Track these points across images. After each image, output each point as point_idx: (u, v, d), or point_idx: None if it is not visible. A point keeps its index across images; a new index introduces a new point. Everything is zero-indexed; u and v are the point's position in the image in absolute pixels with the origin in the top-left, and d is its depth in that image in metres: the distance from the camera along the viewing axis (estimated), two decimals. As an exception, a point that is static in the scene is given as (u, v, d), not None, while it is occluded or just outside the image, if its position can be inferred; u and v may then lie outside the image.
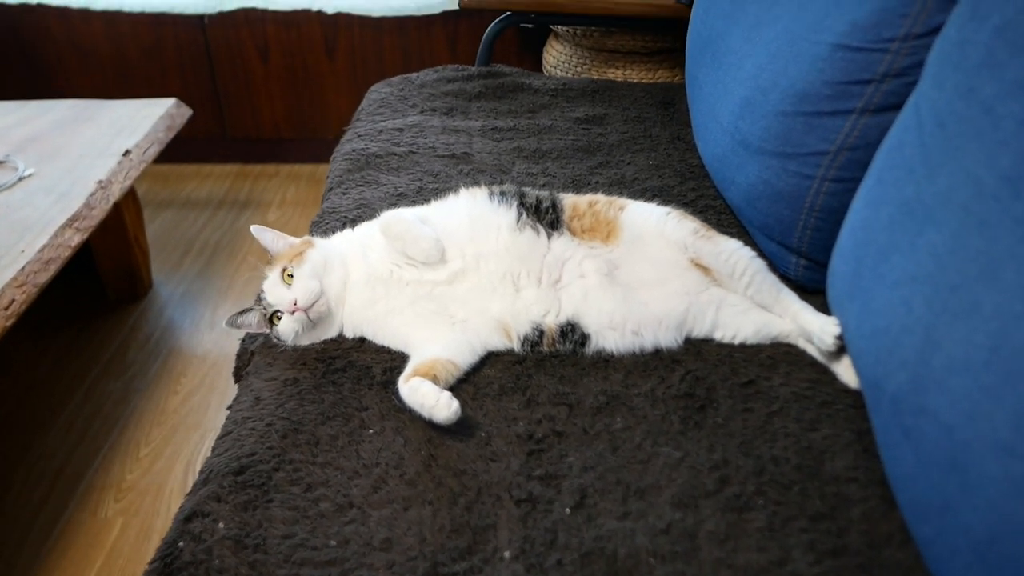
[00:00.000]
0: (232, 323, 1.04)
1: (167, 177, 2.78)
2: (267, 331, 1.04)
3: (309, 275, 1.00)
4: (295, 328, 0.99)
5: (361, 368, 0.98)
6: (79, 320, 2.06)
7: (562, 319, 1.01)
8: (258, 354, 1.06)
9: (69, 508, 1.52)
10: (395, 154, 1.52)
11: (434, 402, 0.85)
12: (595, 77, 2.18)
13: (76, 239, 1.54)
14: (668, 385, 0.95)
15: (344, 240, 1.11)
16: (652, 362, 0.99)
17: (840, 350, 0.96)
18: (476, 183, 1.41)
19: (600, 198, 1.13)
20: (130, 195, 2.04)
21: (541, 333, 1.01)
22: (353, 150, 1.56)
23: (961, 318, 0.68)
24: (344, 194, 1.40)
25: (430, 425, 0.87)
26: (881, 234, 0.84)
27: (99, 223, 1.63)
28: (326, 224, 1.31)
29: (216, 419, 1.73)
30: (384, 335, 1.03)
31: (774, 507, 0.78)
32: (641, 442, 0.87)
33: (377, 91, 1.88)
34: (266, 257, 1.09)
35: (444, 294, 1.01)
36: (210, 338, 2.01)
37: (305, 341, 1.03)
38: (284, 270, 1.01)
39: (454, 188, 1.35)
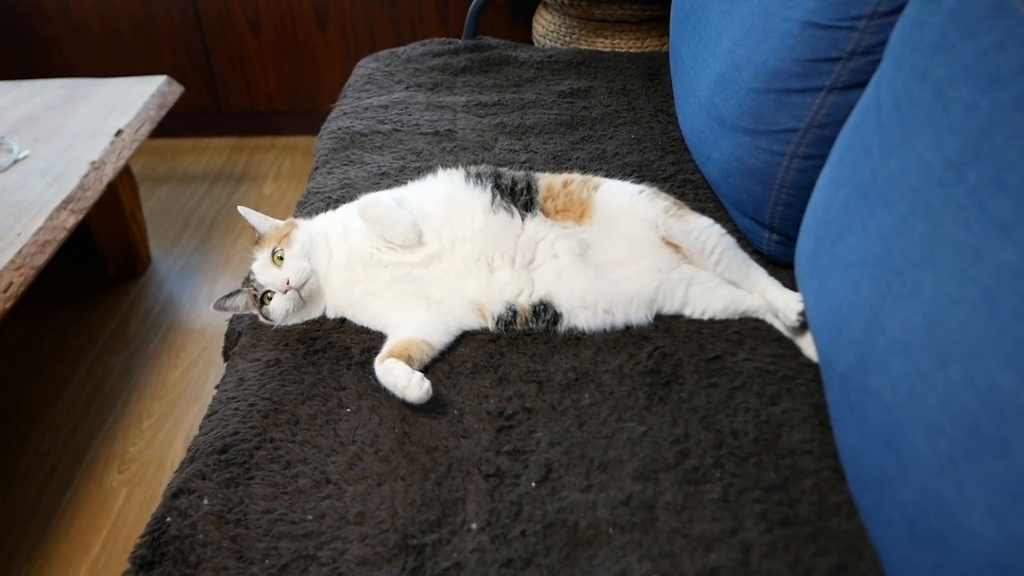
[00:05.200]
0: (219, 306, 1.08)
1: (163, 152, 2.80)
2: (255, 312, 1.08)
3: (299, 255, 1.04)
4: (286, 307, 1.02)
5: (340, 349, 1.02)
6: (80, 297, 2.09)
7: (535, 299, 1.04)
8: (245, 334, 1.10)
9: (76, 479, 1.58)
10: (379, 132, 1.53)
11: (406, 383, 0.89)
12: (584, 47, 2.17)
13: (71, 221, 1.57)
14: (636, 362, 0.99)
15: (327, 222, 1.14)
16: (622, 339, 1.03)
17: (804, 325, 0.99)
18: (458, 161, 1.44)
19: (575, 177, 1.15)
20: (125, 173, 2.06)
21: (515, 313, 1.04)
22: (339, 128, 1.58)
23: (903, 300, 0.71)
24: (329, 174, 1.42)
25: (404, 404, 0.91)
26: (838, 214, 0.87)
27: (94, 204, 1.66)
28: (311, 205, 1.34)
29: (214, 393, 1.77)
30: (364, 316, 1.06)
31: (730, 479, 0.82)
32: (607, 418, 0.91)
33: (364, 66, 1.88)
34: (254, 235, 1.12)
35: (421, 276, 1.05)
36: (208, 313, 2.05)
37: (293, 320, 1.06)
38: (274, 252, 1.05)
39: (436, 167, 1.38)
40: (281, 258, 1.05)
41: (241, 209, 1.13)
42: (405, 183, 1.22)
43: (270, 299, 1.04)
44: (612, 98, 1.69)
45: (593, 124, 1.58)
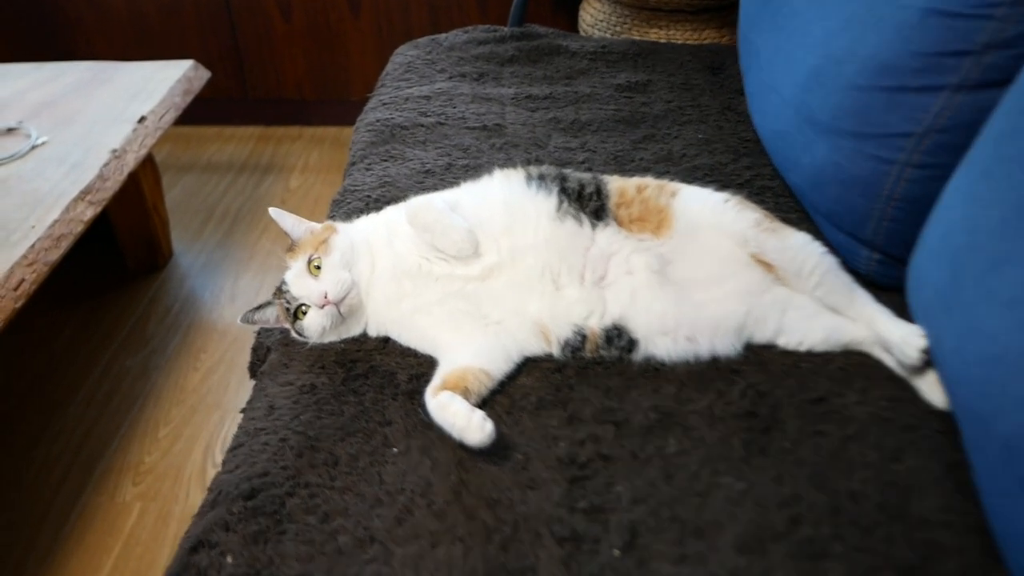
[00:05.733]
0: (247, 320, 0.96)
1: (187, 139, 2.70)
2: (287, 326, 0.96)
3: (339, 264, 0.92)
4: (323, 324, 0.90)
5: (384, 374, 0.89)
6: (97, 292, 1.99)
7: (607, 322, 0.91)
8: (274, 351, 0.98)
9: (87, 490, 1.47)
10: (422, 125, 1.41)
11: (465, 423, 0.76)
12: (636, 38, 2.03)
13: (89, 213, 1.46)
14: (727, 401, 0.85)
15: (369, 226, 1.01)
16: (708, 373, 0.89)
17: (924, 364, 0.84)
18: (509, 159, 1.30)
19: (650, 182, 1.01)
20: (148, 163, 1.96)
21: (583, 337, 0.91)
22: (377, 120, 1.45)
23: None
24: (367, 170, 1.30)
25: (461, 445, 0.78)
26: (989, 240, 0.72)
27: (114, 195, 1.55)
28: (348, 204, 1.22)
29: (236, 399, 1.67)
30: (410, 336, 0.94)
31: (855, 555, 0.68)
32: (698, 470, 0.78)
33: (403, 54, 1.75)
34: (281, 237, 1.00)
35: (477, 292, 0.92)
36: (231, 311, 1.94)
37: (330, 338, 0.94)
38: (310, 260, 0.92)
39: (486, 165, 1.26)
40: (318, 267, 0.93)
41: (272, 211, 1.00)
42: (452, 183, 1.09)
43: (304, 313, 0.92)
44: (674, 93, 1.54)
45: (655, 121, 1.44)
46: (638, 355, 0.91)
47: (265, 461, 0.78)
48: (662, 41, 1.92)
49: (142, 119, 1.70)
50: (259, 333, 1.05)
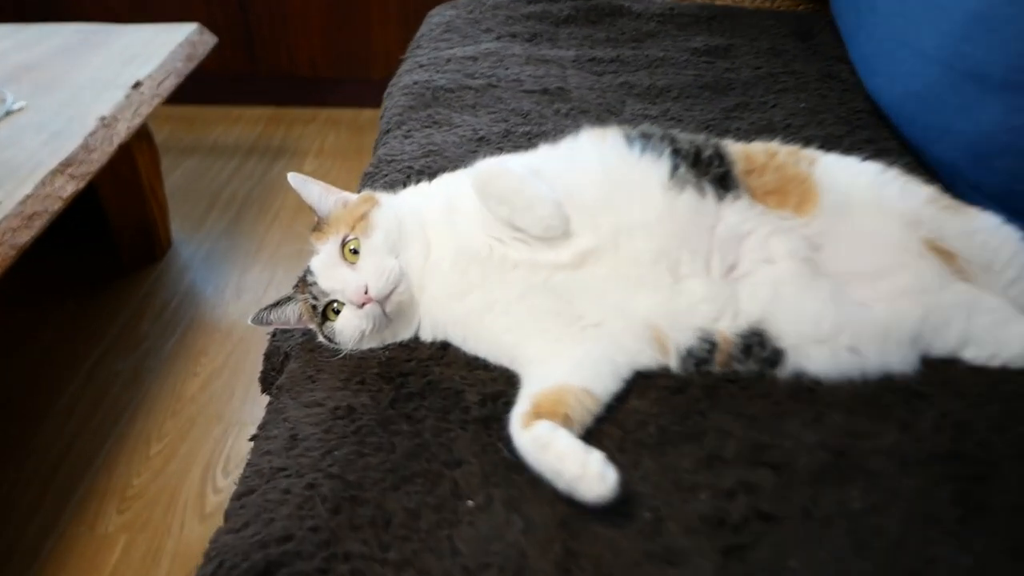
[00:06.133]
0: (261, 320, 0.74)
1: (190, 120, 2.49)
2: (311, 328, 0.73)
3: (383, 248, 0.70)
4: (362, 327, 0.68)
5: (448, 393, 0.66)
6: (85, 285, 1.77)
7: (743, 325, 0.69)
8: (295, 358, 0.75)
9: (63, 519, 1.25)
10: (470, 87, 1.19)
11: (579, 469, 0.53)
12: (704, 1, 1.80)
13: (70, 188, 1.23)
14: (917, 437, 0.62)
15: (420, 197, 0.79)
16: (883, 396, 0.66)
17: None
18: (580, 128, 1.08)
19: (778, 147, 0.79)
20: (144, 138, 1.75)
21: (712, 346, 0.69)
22: (415, 83, 1.23)
23: None
24: (407, 137, 1.08)
25: (564, 496, 0.55)
26: None
27: (101, 169, 1.33)
28: (384, 176, 0.99)
29: (241, 410, 1.45)
30: (479, 341, 0.71)
31: None
32: (902, 536, 0.55)
33: (440, 14, 1.53)
34: (303, 214, 0.77)
35: (568, 284, 0.69)
36: (236, 308, 1.72)
37: (371, 344, 0.71)
38: (345, 242, 0.70)
39: (552, 132, 1.04)
40: (355, 251, 0.70)
41: (293, 177, 0.78)
42: (513, 153, 0.86)
43: (337, 313, 0.70)
44: (761, 59, 1.33)
45: (746, 89, 1.22)
46: (784, 370, 0.69)
47: (286, 518, 0.55)
48: (733, 5, 1.69)
49: (137, 84, 1.48)
50: (274, 335, 0.83)
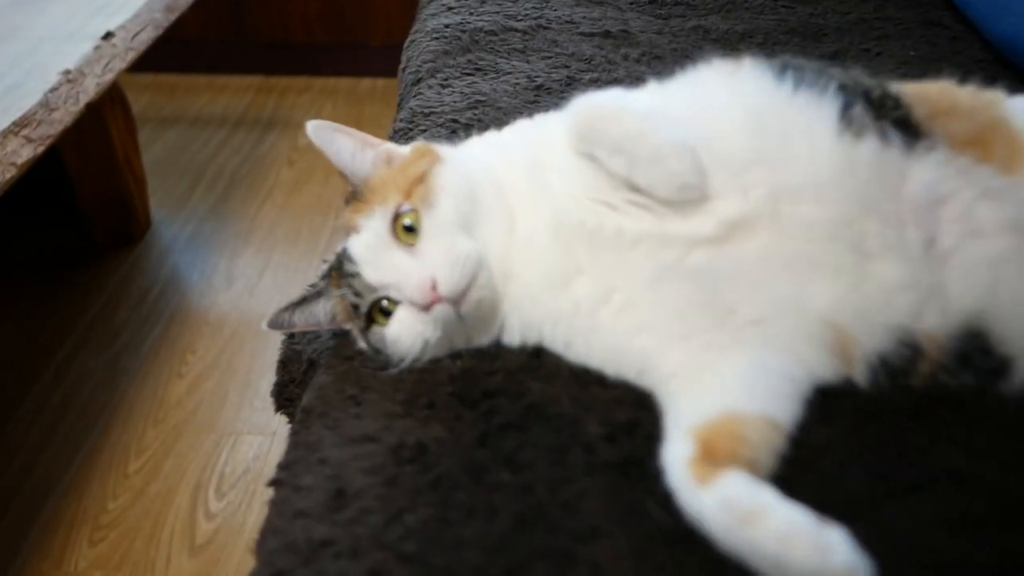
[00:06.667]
0: (281, 323, 0.56)
1: (172, 89, 2.31)
2: (350, 330, 0.54)
3: (454, 224, 0.52)
4: (427, 335, 0.51)
5: (559, 422, 0.46)
6: (51, 270, 1.61)
7: (956, 323, 0.50)
8: (324, 369, 0.56)
9: (23, 552, 1.07)
10: (516, 30, 1.03)
11: (816, 559, 0.34)
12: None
13: (25, 153, 1.03)
14: None
15: (492, 151, 0.59)
16: None
17: None
18: (658, 75, 0.89)
19: (953, 88, 0.61)
20: (118, 101, 1.56)
21: (914, 350, 0.50)
22: (445, 25, 1.05)
23: None
24: (444, 87, 0.90)
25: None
26: None
27: (65, 131, 1.13)
28: (421, 133, 0.81)
29: (237, 418, 1.27)
30: (591, 347, 0.53)
31: None
32: None
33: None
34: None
35: (713, 266, 0.51)
36: (227, 298, 1.55)
37: (435, 352, 0.52)
38: (397, 217, 0.51)
39: (626, 79, 0.85)
40: (412, 229, 0.51)
41: (314, 128, 0.60)
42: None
43: (388, 313, 0.51)
44: (848, 4, 1.17)
45: (840, 35, 1.07)
46: (1012, 383, 0.50)
47: (342, 630, 0.35)
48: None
49: (108, 35, 1.28)
50: (291, 336, 0.63)
